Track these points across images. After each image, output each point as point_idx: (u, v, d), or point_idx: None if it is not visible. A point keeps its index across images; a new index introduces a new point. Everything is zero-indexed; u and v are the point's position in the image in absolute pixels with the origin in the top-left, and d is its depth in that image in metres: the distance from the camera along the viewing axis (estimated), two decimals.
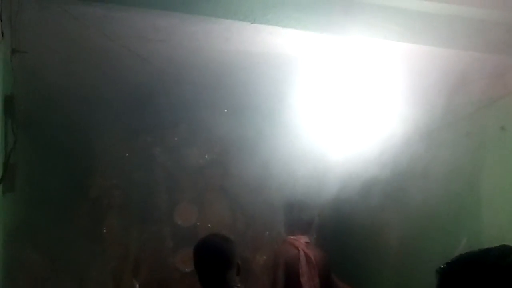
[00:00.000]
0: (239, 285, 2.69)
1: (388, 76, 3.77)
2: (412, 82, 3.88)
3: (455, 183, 4.52)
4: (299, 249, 3.85)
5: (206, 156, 5.24)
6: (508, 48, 3.70)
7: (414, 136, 4.48)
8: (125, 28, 3.17)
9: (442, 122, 4.44)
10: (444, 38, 3.51)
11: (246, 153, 4.94)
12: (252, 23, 3.12)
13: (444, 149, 4.52)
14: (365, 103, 4.08)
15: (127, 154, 5.03)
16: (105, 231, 4.87)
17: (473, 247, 3.95)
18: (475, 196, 4.46)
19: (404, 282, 5.14)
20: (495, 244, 3.95)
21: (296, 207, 4.10)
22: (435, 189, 4.62)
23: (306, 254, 3.84)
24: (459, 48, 3.59)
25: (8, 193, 3.16)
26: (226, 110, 4.81)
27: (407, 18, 3.36)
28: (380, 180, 4.69)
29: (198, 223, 5.11)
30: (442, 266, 0.99)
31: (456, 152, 4.37)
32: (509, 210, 4.15)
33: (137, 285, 4.84)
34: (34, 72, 3.10)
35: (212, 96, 4.38)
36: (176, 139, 5.21)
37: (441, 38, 3.50)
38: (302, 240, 3.95)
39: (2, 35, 2.53)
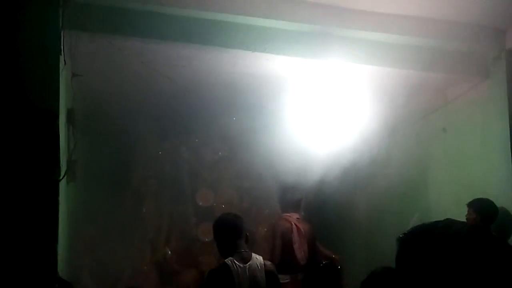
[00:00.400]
0: (247, 250, 2.67)
1: (357, 90, 3.76)
2: (376, 94, 3.88)
3: (410, 171, 4.51)
4: (292, 223, 3.79)
5: (220, 153, 5.20)
6: (447, 68, 3.70)
7: (380, 134, 4.47)
8: (156, 56, 3.17)
9: (399, 125, 4.43)
10: (399, 61, 3.51)
11: (250, 151, 4.92)
12: (253, 51, 3.13)
13: (401, 145, 4.51)
14: (341, 109, 4.06)
15: (160, 152, 5.00)
16: (144, 211, 4.82)
17: (424, 220, 3.98)
18: (424, 181, 4.46)
19: (372, 247, 5.12)
20: (440, 218, 4.00)
21: (288, 190, 4.04)
22: (394, 175, 4.62)
23: (297, 227, 3.78)
24: (411, 69, 3.60)
25: (71, 182, 3.16)
26: (234, 119, 4.80)
27: (370, 46, 3.36)
28: (353, 168, 4.69)
29: (214, 204, 5.03)
30: (401, 236, 0.97)
31: (410, 148, 4.36)
32: (450, 192, 4.16)
33: (169, 251, 4.78)
34: (89, 91, 3.09)
35: (223, 108, 4.37)
36: (196, 140, 5.18)
37: (396, 61, 3.51)
38: (294, 216, 3.87)
39: (65, 63, 2.52)
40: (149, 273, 4.60)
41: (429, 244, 0.82)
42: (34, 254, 2.32)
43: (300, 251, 3.68)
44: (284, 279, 3.35)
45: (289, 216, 3.84)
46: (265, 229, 5.03)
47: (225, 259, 2.59)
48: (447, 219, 0.83)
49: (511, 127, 3.55)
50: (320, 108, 3.95)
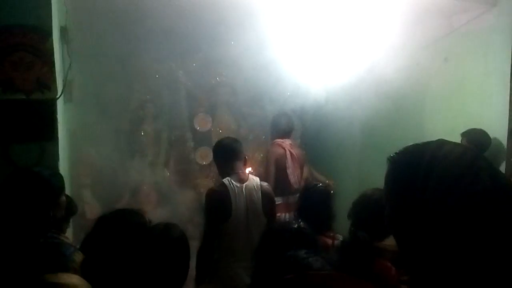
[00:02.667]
0: (244, 171, 2.77)
1: (361, 14, 3.61)
2: (379, 19, 3.73)
3: (407, 100, 4.50)
4: (286, 149, 3.87)
5: (217, 78, 5.14)
6: None
7: (380, 60, 4.37)
8: None
9: (400, 52, 4.32)
10: None
11: (247, 76, 4.87)
12: None
13: (401, 73, 4.44)
14: (342, 33, 3.94)
15: (157, 76, 4.93)
16: (142, 134, 4.86)
17: None
18: (421, 111, 4.46)
19: (364, 174, 5.25)
20: None
21: (282, 117, 4.07)
22: (391, 104, 4.60)
23: (290, 153, 3.87)
24: None
25: (68, 102, 3.15)
26: (232, 43, 4.66)
27: None
28: (349, 95, 4.66)
29: (212, 129, 5.10)
30: (392, 155, 0.97)
31: (410, 77, 4.30)
32: (445, 122, 4.18)
33: (168, 173, 4.91)
34: (82, 9, 2.96)
35: (222, 31, 4.22)
36: (194, 64, 5.09)
37: None
38: (287, 142, 3.95)
39: None
40: (148, 193, 4.74)
41: (420, 163, 0.83)
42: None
43: (294, 175, 3.80)
44: (277, 201, 3.49)
45: (282, 142, 3.90)
46: (261, 154, 5.12)
47: (223, 178, 2.69)
48: (439, 139, 0.83)
49: None
50: (321, 32, 3.83)
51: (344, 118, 5.01)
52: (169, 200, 4.79)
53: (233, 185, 2.65)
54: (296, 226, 1.80)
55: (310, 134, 5.41)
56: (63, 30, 2.95)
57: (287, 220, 3.63)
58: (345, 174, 5.44)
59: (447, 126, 4.11)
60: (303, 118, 5.38)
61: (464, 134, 3.68)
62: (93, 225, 1.89)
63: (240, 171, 2.73)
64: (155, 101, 4.91)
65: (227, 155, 2.77)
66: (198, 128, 5.04)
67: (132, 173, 4.67)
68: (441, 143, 0.94)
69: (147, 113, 4.89)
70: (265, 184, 2.82)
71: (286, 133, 3.96)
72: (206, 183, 5.02)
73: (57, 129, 2.49)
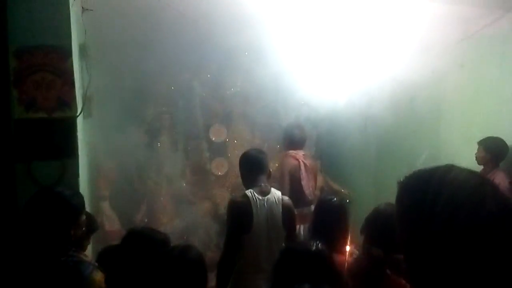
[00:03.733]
0: (267, 184, 2.81)
1: (374, 21, 3.63)
2: (392, 25, 3.74)
3: (421, 107, 4.48)
4: (299, 160, 3.86)
5: (232, 89, 5.20)
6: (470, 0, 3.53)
7: (394, 67, 4.38)
8: None
9: (415, 58, 4.31)
10: None
11: (262, 87, 4.91)
12: None
13: (415, 80, 4.43)
14: (355, 42, 3.96)
15: (173, 88, 5.01)
16: (159, 145, 4.93)
17: (433, 157, 4.02)
18: (436, 118, 4.44)
19: (380, 183, 5.23)
20: (450, 156, 4.04)
21: (296, 129, 4.06)
22: (406, 112, 4.59)
23: (304, 164, 3.85)
24: (433, 1, 3.44)
25: (87, 118, 3.23)
26: (246, 53, 4.72)
27: None
28: (365, 104, 4.67)
29: (227, 139, 5.15)
30: (401, 179, 1.00)
31: (425, 83, 4.28)
32: (461, 130, 4.15)
33: (184, 184, 4.97)
34: (100, 25, 3.05)
35: (236, 42, 4.28)
36: (208, 75, 5.15)
37: None
38: (300, 153, 3.93)
39: None
40: (165, 204, 4.81)
41: (426, 188, 0.86)
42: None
43: (308, 187, 3.79)
44: None
45: (295, 153, 3.89)
46: (277, 164, 5.14)
47: (247, 190, 2.75)
48: (448, 165, 0.84)
49: None
50: (336, 40, 3.84)
51: (359, 125, 5.01)
52: (186, 210, 4.86)
53: (255, 197, 2.70)
54: (314, 247, 1.83)
55: (325, 142, 5.42)
56: (82, 47, 3.05)
57: (302, 233, 3.63)
58: (361, 182, 5.43)
59: (463, 134, 4.08)
60: (318, 126, 5.40)
61: (481, 143, 3.65)
62: (120, 240, 1.96)
63: (263, 184, 2.77)
64: (171, 112, 4.99)
65: (252, 167, 2.82)
66: (213, 138, 5.09)
67: (149, 185, 4.76)
68: (449, 168, 0.96)
69: (164, 125, 4.96)
70: (286, 198, 2.85)
71: (299, 144, 3.95)
72: (222, 193, 5.08)
73: (77, 146, 2.57)
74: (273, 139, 5.25)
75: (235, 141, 5.16)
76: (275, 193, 2.79)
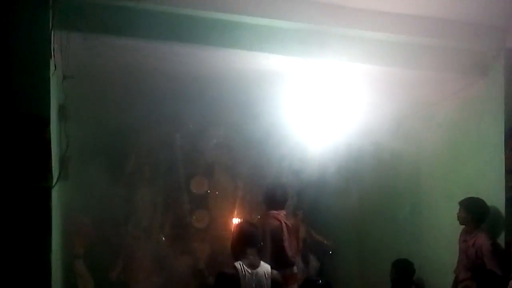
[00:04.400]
0: (257, 257, 2.85)
1: (352, 87, 3.73)
2: (371, 90, 3.85)
3: (402, 165, 4.54)
4: (281, 221, 3.77)
5: (214, 140, 5.19)
6: (445, 66, 3.66)
7: (373, 129, 4.46)
8: (151, 54, 3.10)
9: (393, 119, 4.41)
10: (396, 59, 3.47)
11: (244, 139, 4.93)
12: (249, 50, 3.07)
13: (395, 139, 4.52)
14: (336, 107, 4.06)
15: (153, 139, 4.97)
16: (138, 198, 4.84)
17: (416, 212, 4.04)
18: (416, 176, 4.49)
19: (363, 236, 5.23)
20: (430, 212, 4.09)
21: (277, 188, 3.99)
22: (386, 168, 4.65)
23: (286, 225, 3.77)
24: (408, 67, 3.56)
25: (64, 180, 3.15)
26: (229, 106, 4.75)
27: (367, 45, 3.31)
28: (347, 162, 4.72)
29: (208, 191, 5.09)
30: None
31: (403, 142, 4.37)
32: (441, 187, 4.20)
33: (163, 238, 4.86)
34: (81, 89, 3.03)
35: (219, 97, 4.31)
36: (191, 126, 5.13)
37: (393, 60, 3.46)
38: (281, 213, 3.83)
39: (55, 68, 2.47)
40: (143, 259, 4.67)
41: None
42: (27, 264, 2.35)
43: (290, 248, 3.71)
44: None
45: (277, 213, 3.81)
46: (258, 216, 5.09)
47: (235, 261, 2.80)
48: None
49: (506, 126, 3.56)
50: (316, 105, 3.92)
51: (341, 178, 5.04)
52: (165, 266, 4.72)
53: (244, 270, 2.74)
54: None
55: (308, 193, 5.42)
56: (61, 109, 3.01)
57: None
58: (344, 232, 5.42)
59: (443, 193, 4.12)
60: (300, 178, 5.39)
61: (462, 203, 3.68)
62: None
63: (252, 257, 2.83)
64: (151, 163, 4.93)
65: (243, 240, 2.89)
66: (194, 190, 5.03)
67: (127, 239, 4.62)
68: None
69: (144, 177, 4.89)
70: (275, 272, 2.89)
71: (281, 204, 3.87)
72: (203, 247, 4.97)
73: (50, 215, 2.49)
74: (255, 189, 5.21)
75: (217, 193, 5.10)
76: (264, 267, 2.84)
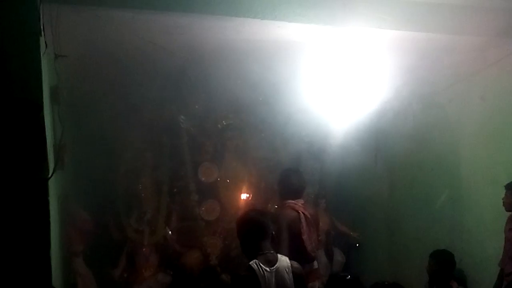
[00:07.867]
0: (272, 251, 2.76)
1: (381, 59, 3.73)
2: (402, 61, 3.85)
3: (440, 143, 4.55)
4: (299, 211, 3.74)
5: (224, 122, 5.20)
6: (485, 30, 3.63)
7: (406, 101, 4.47)
8: (150, 27, 3.15)
9: (428, 91, 4.41)
10: (429, 23, 3.46)
11: (257, 119, 4.96)
12: (261, 19, 3.09)
13: (430, 114, 4.52)
14: (362, 77, 4.03)
15: (155, 122, 5.00)
16: (140, 187, 4.91)
17: (455, 199, 4.08)
18: (456, 156, 4.50)
19: (394, 224, 5.27)
20: (473, 197, 4.13)
21: (293, 175, 3.99)
22: (421, 147, 4.66)
23: (305, 216, 3.77)
24: (443, 32, 3.54)
25: (59, 170, 3.26)
26: (239, 82, 4.77)
27: (396, 9, 3.30)
28: (374, 141, 4.74)
29: (218, 179, 5.07)
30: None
31: (441, 118, 4.37)
32: (485, 170, 4.20)
33: (169, 232, 4.93)
34: (74, 68, 3.11)
35: (227, 72, 4.34)
36: (196, 107, 5.13)
37: (426, 24, 3.45)
38: (300, 203, 3.83)
39: (46, 45, 2.54)
40: (148, 255, 4.79)
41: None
42: (26, 259, 2.47)
43: (310, 242, 3.70)
44: None
45: (294, 203, 3.81)
46: (276, 206, 5.14)
47: (249, 260, 2.69)
48: None
49: None
50: (339, 79, 3.92)
51: (368, 160, 5.06)
52: (171, 263, 4.83)
53: (262, 270, 2.63)
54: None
55: (330, 179, 5.45)
56: (53, 90, 3.08)
57: None
58: (372, 222, 5.47)
59: (487, 176, 4.13)
60: (322, 161, 5.41)
61: (509, 187, 3.71)
62: None
63: (268, 251, 2.72)
64: (153, 150, 4.98)
65: (254, 233, 2.75)
66: (203, 179, 5.05)
67: (130, 234, 4.73)
68: None
69: (145, 164, 4.94)
70: (295, 264, 2.80)
71: (298, 193, 3.88)
72: (214, 241, 5.05)
73: (48, 208, 2.60)
74: (270, 175, 5.24)
75: (228, 181, 5.15)
76: (283, 260, 2.73)
